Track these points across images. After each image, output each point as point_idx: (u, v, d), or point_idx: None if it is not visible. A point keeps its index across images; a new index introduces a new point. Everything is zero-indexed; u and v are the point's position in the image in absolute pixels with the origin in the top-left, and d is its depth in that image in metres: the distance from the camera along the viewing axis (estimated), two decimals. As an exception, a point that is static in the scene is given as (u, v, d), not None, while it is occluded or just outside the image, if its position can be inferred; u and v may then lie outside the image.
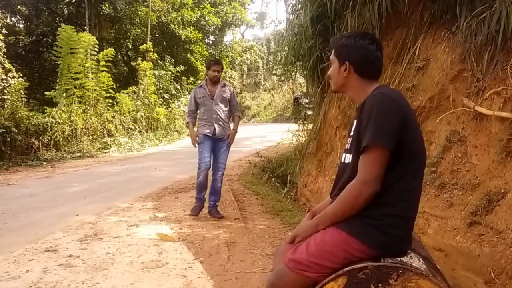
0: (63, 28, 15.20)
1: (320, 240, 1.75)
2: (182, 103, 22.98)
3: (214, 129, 5.47)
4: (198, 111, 5.77)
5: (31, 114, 12.88)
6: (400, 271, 1.60)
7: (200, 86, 5.74)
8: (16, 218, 5.56)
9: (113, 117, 16.48)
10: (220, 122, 5.52)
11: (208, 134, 5.48)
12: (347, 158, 1.87)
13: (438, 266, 1.87)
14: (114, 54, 17.70)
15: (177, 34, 24.05)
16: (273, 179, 8.16)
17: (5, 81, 12.79)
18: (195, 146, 5.62)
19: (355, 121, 1.85)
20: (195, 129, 5.70)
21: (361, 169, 1.68)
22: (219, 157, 5.57)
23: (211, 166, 5.59)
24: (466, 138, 3.49)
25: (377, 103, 1.71)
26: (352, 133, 1.89)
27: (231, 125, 5.90)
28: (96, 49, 15.95)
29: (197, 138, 5.53)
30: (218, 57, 28.78)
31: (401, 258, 1.70)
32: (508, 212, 2.83)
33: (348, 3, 4.83)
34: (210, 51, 28.00)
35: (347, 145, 1.93)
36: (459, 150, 3.51)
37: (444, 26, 4.00)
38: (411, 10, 4.28)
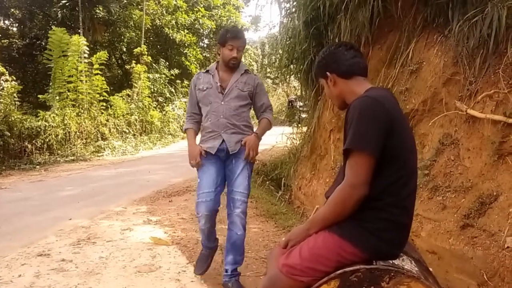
0: (53, 30, 15.13)
1: (313, 244, 1.75)
2: (176, 106, 22.96)
3: (222, 141, 3.28)
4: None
5: (24, 117, 12.79)
6: (392, 274, 1.61)
7: (206, 71, 3.46)
8: (9, 222, 5.52)
9: (107, 120, 16.41)
10: (233, 130, 3.29)
11: (211, 151, 3.31)
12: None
13: (430, 269, 1.88)
14: (107, 57, 17.64)
15: (171, 37, 24.05)
16: (267, 182, 8.15)
17: (-2, 84, 12.73)
18: (193, 167, 3.38)
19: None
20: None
21: (348, 172, 1.69)
22: (234, 184, 3.30)
23: (220, 204, 3.40)
24: (459, 141, 3.51)
25: (360, 106, 1.70)
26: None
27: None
28: (88, 52, 15.87)
29: (200, 155, 3.30)
30: (211, 60, 28.70)
31: (393, 261, 1.70)
32: (501, 215, 2.84)
33: (341, 7, 4.85)
34: (204, 54, 28.03)
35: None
36: (452, 153, 3.52)
37: (436, 29, 4.02)
38: (403, 14, 4.31)
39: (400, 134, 1.71)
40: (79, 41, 15.43)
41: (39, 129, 12.83)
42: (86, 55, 15.76)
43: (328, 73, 1.90)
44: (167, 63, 23.82)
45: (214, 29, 27.06)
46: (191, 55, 25.66)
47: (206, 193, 3.25)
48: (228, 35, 3.22)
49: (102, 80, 16.34)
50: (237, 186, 3.27)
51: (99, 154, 14.46)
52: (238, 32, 3.32)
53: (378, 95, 1.76)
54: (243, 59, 3.50)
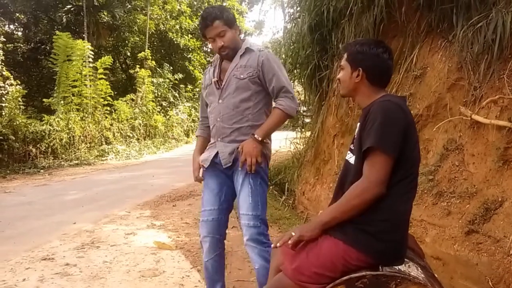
0: (58, 35, 15.22)
1: (318, 250, 1.75)
2: (180, 110, 23.03)
3: (217, 151, 2.63)
4: None
5: (29, 121, 12.87)
6: (399, 280, 1.60)
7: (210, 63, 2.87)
8: (13, 226, 5.53)
9: (111, 124, 16.48)
10: (231, 138, 2.59)
11: (204, 164, 2.71)
12: (351, 158, 1.88)
13: (436, 275, 1.87)
14: (112, 62, 17.74)
15: (175, 42, 24.17)
16: (271, 187, 8.13)
17: (3, 88, 12.82)
18: (196, 181, 2.86)
19: (359, 124, 1.85)
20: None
21: (368, 170, 1.70)
22: (238, 205, 2.62)
23: (227, 226, 2.82)
24: (463, 147, 3.50)
25: (384, 109, 1.73)
26: (355, 135, 1.90)
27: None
28: (93, 57, 15.95)
29: (200, 169, 2.77)
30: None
31: (399, 267, 1.70)
32: (506, 221, 2.83)
33: (345, 12, 4.86)
34: (208, 59, 28.10)
35: (351, 145, 1.94)
36: (456, 159, 3.51)
37: (441, 35, 4.02)
38: (407, 19, 4.31)
39: (412, 139, 1.76)
40: (84, 46, 15.52)
41: (44, 133, 12.90)
42: (90, 60, 15.84)
43: (360, 69, 1.89)
44: (171, 68, 23.93)
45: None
46: (195, 59, 25.78)
47: (208, 211, 2.67)
48: (201, 26, 2.57)
49: (107, 85, 16.43)
50: (241, 207, 2.57)
51: (103, 158, 14.50)
52: (207, 17, 2.50)
53: (398, 101, 1.80)
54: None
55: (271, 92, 2.57)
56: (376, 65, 1.89)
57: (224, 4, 28.32)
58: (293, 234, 1.76)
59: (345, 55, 1.97)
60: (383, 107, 1.75)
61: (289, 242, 1.75)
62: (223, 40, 2.52)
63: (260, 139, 2.48)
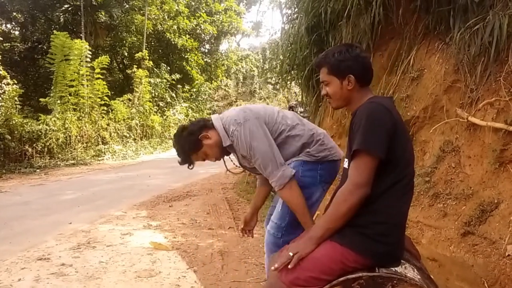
0: (56, 35, 15.18)
1: (315, 254, 1.74)
2: (177, 111, 23.02)
3: None
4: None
5: (25, 121, 12.84)
6: (395, 282, 1.60)
7: None
8: (9, 226, 5.51)
9: (108, 124, 16.45)
10: None
11: None
12: (346, 163, 1.88)
13: (432, 277, 1.87)
14: (109, 62, 17.71)
15: (173, 42, 24.15)
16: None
17: (-1, 87, 12.76)
18: None
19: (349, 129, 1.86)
20: None
21: (352, 172, 1.71)
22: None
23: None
24: (460, 148, 3.51)
25: (368, 111, 1.73)
26: (347, 141, 1.90)
27: None
28: (90, 56, 15.92)
29: None
30: (212, 65, 28.68)
31: (396, 269, 1.70)
32: (502, 223, 2.84)
33: (343, 14, 4.87)
34: (205, 59, 28.13)
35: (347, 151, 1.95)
36: (452, 160, 3.53)
37: (438, 37, 4.04)
38: (405, 21, 4.32)
39: (402, 139, 1.75)
40: (82, 46, 15.49)
41: (40, 133, 12.86)
42: (88, 59, 15.81)
43: (351, 76, 1.88)
44: (168, 68, 23.90)
45: (215, 35, 27.19)
46: (192, 60, 25.76)
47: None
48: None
49: (104, 85, 16.39)
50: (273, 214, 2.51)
51: (99, 158, 14.47)
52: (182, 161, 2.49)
53: (383, 101, 1.81)
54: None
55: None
56: (361, 66, 1.90)
57: (222, 5, 28.37)
58: (291, 254, 1.73)
59: (325, 70, 1.94)
60: (367, 109, 1.75)
61: (289, 266, 1.71)
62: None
63: None
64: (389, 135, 1.69)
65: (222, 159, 2.50)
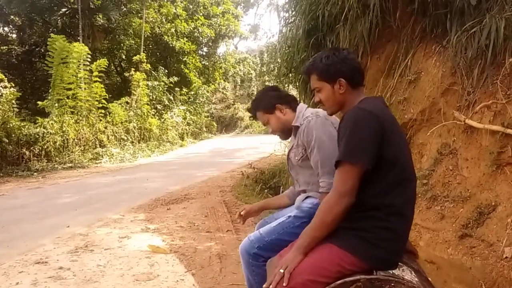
0: (53, 38, 15.15)
1: (312, 256, 1.74)
2: (175, 114, 23.01)
3: None
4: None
5: (22, 124, 12.78)
6: (393, 284, 1.61)
7: None
8: (6, 230, 5.49)
9: (105, 127, 16.41)
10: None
11: None
12: None
13: (430, 279, 1.88)
14: (107, 65, 17.68)
15: (171, 45, 24.17)
16: (265, 190, 8.13)
17: (-4, 90, 12.73)
18: None
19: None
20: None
21: (335, 181, 1.72)
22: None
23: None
24: (457, 151, 3.52)
25: (353, 118, 1.73)
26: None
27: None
28: (89, 60, 15.91)
29: None
30: (210, 68, 28.66)
31: (393, 271, 1.71)
32: (499, 225, 2.85)
33: (341, 17, 4.88)
34: (203, 62, 28.15)
35: None
36: (450, 163, 3.54)
37: (435, 40, 4.06)
38: (402, 24, 4.34)
39: (395, 143, 1.74)
40: (81, 49, 15.48)
41: (37, 136, 12.82)
42: (87, 63, 15.79)
43: (342, 79, 1.88)
44: (166, 71, 23.91)
45: (213, 38, 27.23)
46: (190, 63, 25.79)
47: None
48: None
49: (101, 88, 16.36)
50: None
51: (97, 161, 14.43)
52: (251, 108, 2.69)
53: (370, 106, 1.78)
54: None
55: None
56: (350, 68, 1.89)
57: (220, 8, 28.43)
58: (282, 271, 1.71)
59: (315, 76, 1.94)
60: (352, 117, 1.74)
61: (284, 284, 1.68)
62: (268, 125, 2.60)
63: None
64: (376, 140, 1.68)
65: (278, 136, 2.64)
